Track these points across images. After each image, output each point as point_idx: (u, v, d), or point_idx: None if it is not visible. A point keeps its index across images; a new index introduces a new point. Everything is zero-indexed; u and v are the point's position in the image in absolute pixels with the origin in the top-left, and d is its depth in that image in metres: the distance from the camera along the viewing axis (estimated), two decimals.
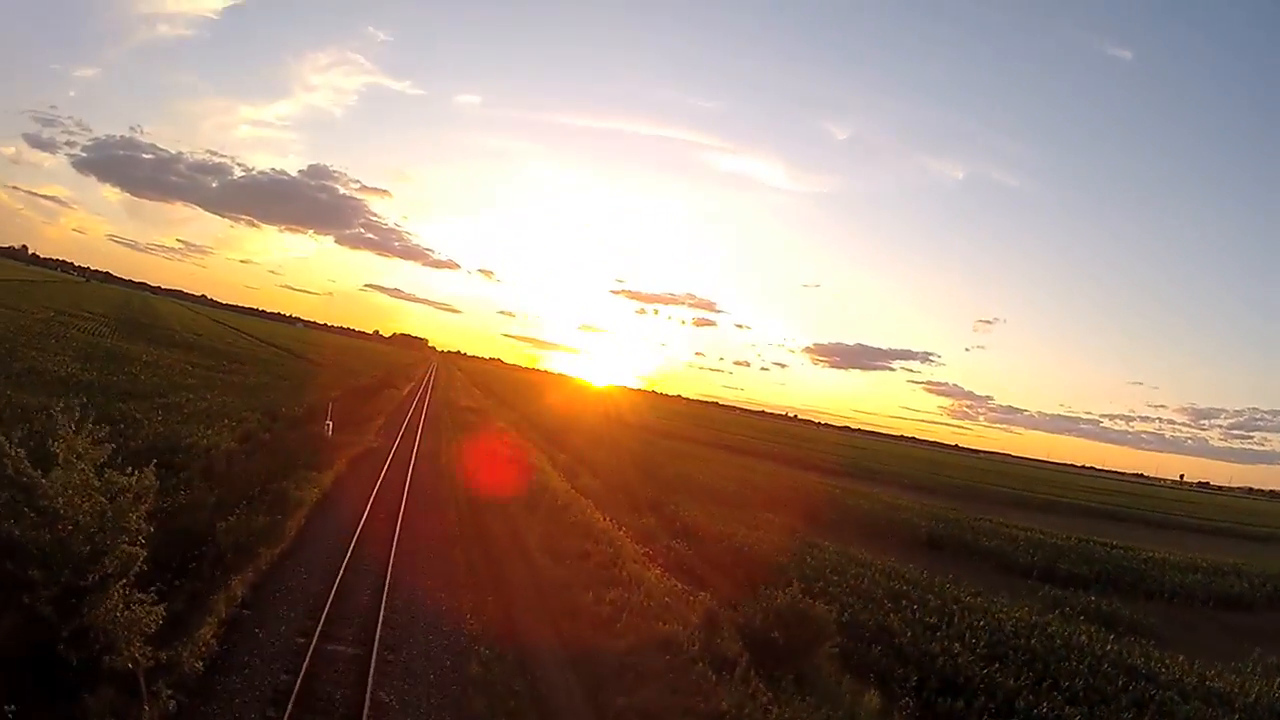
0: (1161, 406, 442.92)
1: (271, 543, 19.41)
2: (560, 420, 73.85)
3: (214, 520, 18.92)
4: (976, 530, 44.05)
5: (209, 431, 31.02)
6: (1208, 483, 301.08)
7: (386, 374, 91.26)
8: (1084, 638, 23.92)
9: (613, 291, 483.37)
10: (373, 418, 47.18)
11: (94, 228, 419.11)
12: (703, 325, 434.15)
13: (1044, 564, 37.38)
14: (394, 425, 46.68)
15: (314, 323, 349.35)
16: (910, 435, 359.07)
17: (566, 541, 24.70)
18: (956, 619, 23.52)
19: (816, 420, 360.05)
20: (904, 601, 24.69)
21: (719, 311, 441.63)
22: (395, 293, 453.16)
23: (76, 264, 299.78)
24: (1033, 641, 22.53)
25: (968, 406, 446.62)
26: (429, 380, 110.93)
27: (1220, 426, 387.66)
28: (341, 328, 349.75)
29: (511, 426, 59.81)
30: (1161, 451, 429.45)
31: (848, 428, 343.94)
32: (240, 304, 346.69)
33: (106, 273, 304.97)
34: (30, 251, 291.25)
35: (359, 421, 44.29)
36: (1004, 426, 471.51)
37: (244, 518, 19.21)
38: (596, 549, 24.12)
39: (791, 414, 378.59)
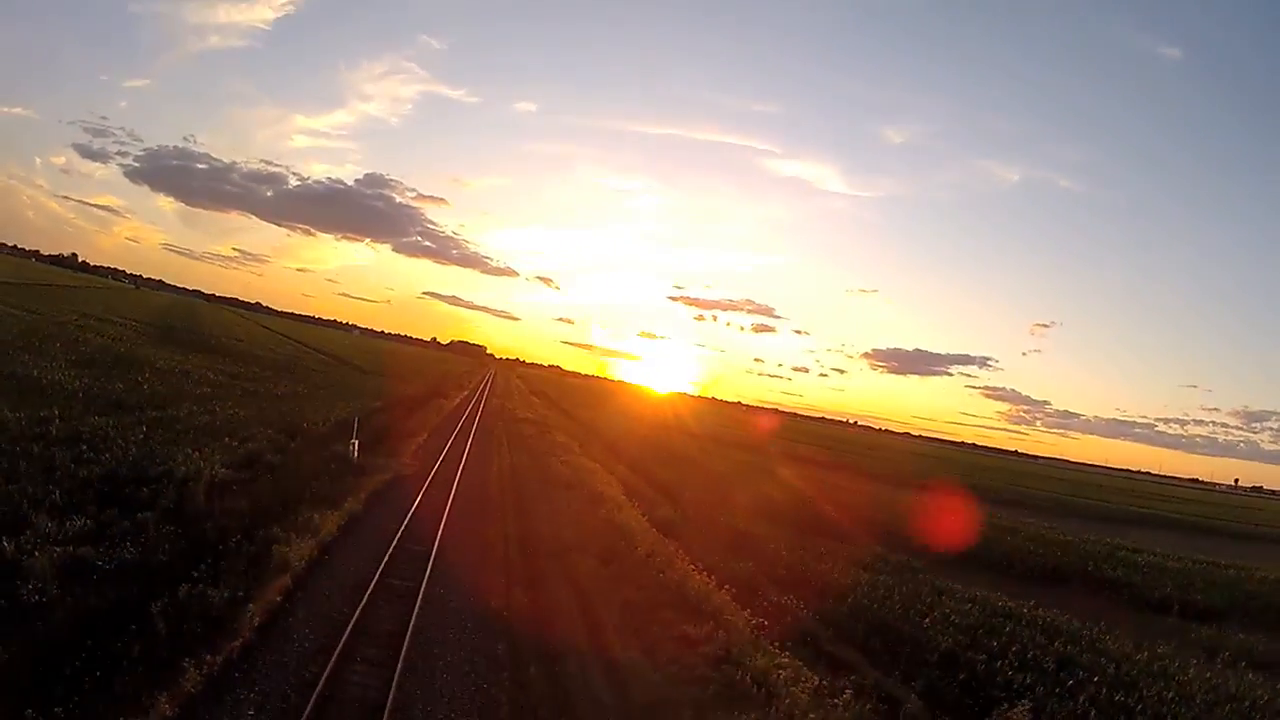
0: (1215, 409, 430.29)
1: (215, 645, 11.91)
2: (625, 432, 65.58)
3: (148, 595, 13.01)
4: (1095, 556, 37.44)
5: (197, 454, 23.65)
6: (1260, 487, 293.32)
7: (437, 382, 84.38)
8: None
9: (671, 298, 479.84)
10: (414, 434, 39.49)
11: (148, 237, 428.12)
12: (761, 331, 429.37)
13: (1178, 596, 31.75)
14: (437, 443, 38.87)
15: (371, 330, 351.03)
16: (969, 441, 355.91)
17: (658, 617, 17.35)
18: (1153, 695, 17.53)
19: (876, 426, 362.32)
20: (1083, 673, 18.39)
21: (777, 317, 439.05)
22: (453, 300, 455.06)
23: (129, 272, 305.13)
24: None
25: (1025, 411, 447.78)
26: (484, 388, 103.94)
27: (1271, 429, 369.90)
28: (398, 335, 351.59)
29: (574, 441, 51.73)
30: (1214, 455, 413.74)
31: (908, 434, 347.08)
32: (296, 311, 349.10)
33: (160, 280, 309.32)
34: (81, 259, 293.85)
35: (397, 438, 36.69)
36: (1060, 431, 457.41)
37: (194, 592, 13.15)
38: (701, 630, 16.62)
39: (851, 420, 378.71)
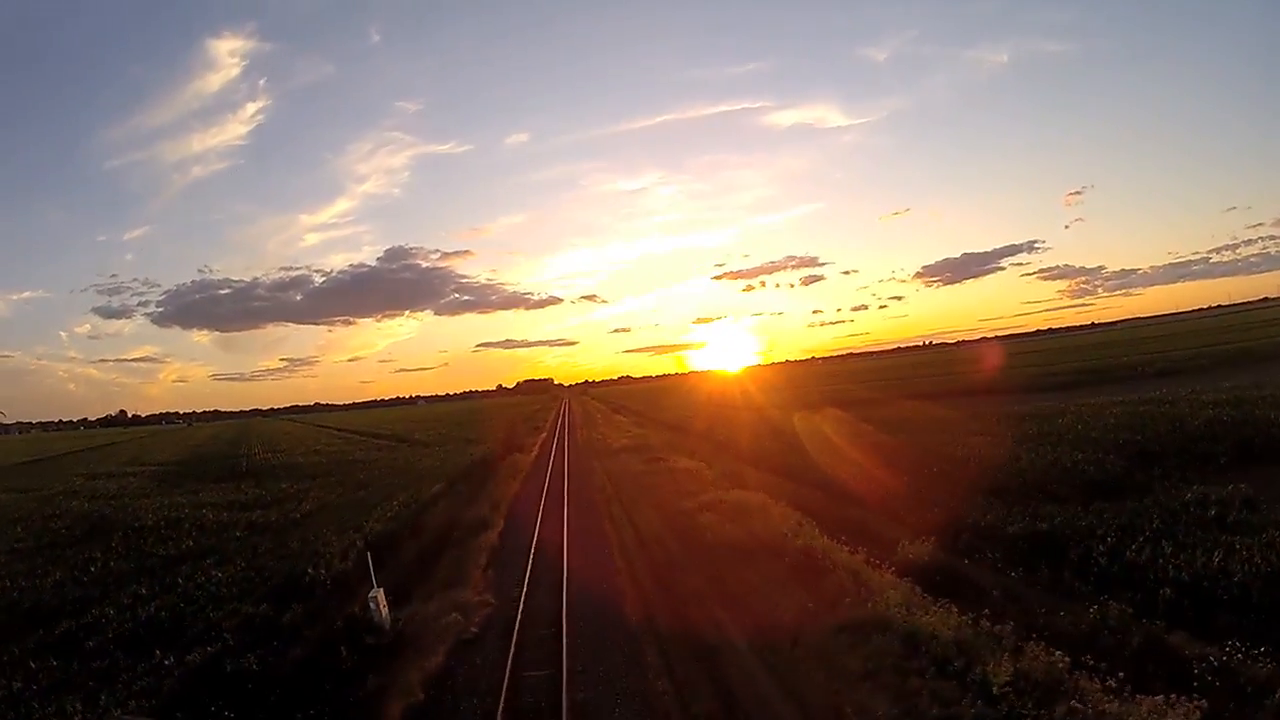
0: (1259, 225, 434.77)
1: None
2: (750, 429, 51.66)
3: None
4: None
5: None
6: None
7: (509, 433, 71.98)
8: None
9: (715, 278, 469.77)
10: (485, 524, 26.71)
11: (193, 373, 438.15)
12: (811, 282, 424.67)
13: None
14: (520, 534, 25.81)
15: (435, 396, 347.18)
16: (1044, 328, 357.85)
17: None
18: None
19: (950, 340, 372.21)
20: None
21: (823, 264, 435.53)
22: (507, 344, 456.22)
23: (181, 412, 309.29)
24: None
25: (1083, 283, 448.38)
26: (562, 421, 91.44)
27: None
28: (463, 393, 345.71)
29: (693, 459, 38.28)
30: (1270, 271, 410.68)
31: (984, 338, 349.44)
32: (356, 400, 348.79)
33: (214, 411, 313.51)
34: (131, 414, 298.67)
35: (460, 542, 23.91)
36: (1123, 292, 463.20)
37: None
38: None
39: (926, 341, 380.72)
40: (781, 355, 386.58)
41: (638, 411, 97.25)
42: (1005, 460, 26.51)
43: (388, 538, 25.47)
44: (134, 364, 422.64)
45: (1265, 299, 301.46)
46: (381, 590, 17.49)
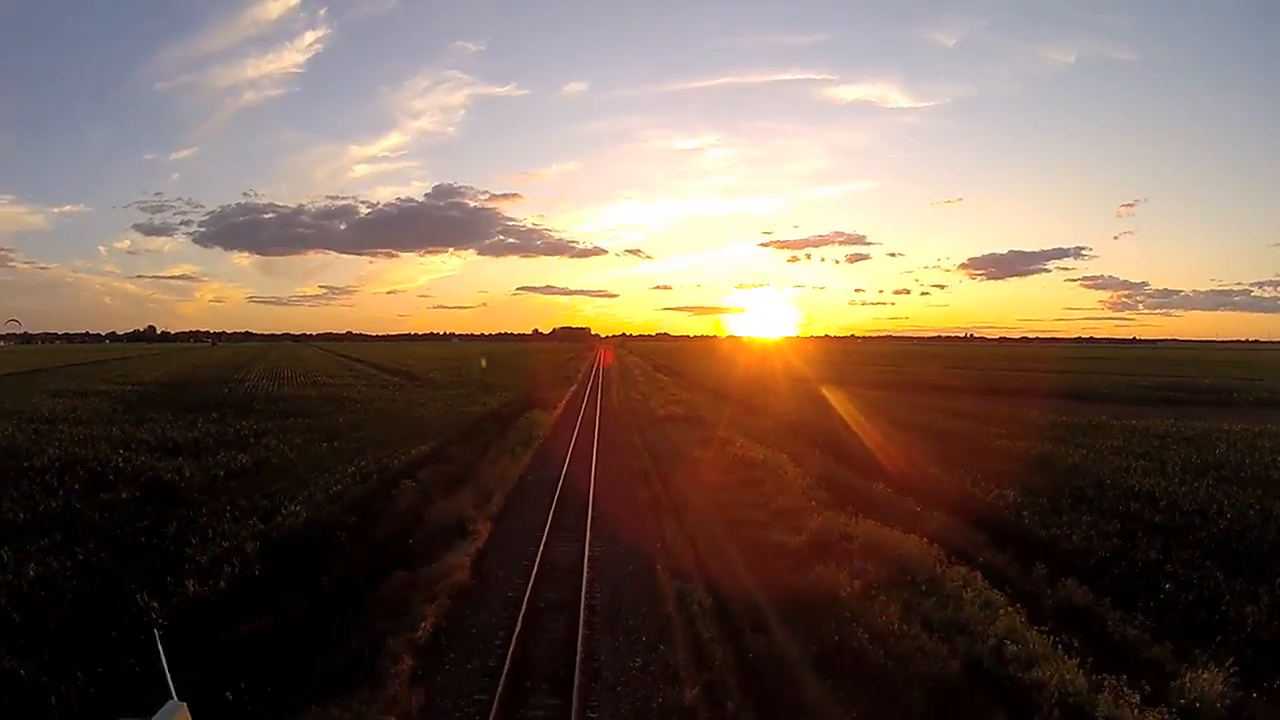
0: None
1: None
2: (828, 413, 41.67)
3: None
4: None
5: None
6: None
7: (532, 383, 62.65)
8: None
9: (762, 245, 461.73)
10: (447, 548, 17.11)
11: (231, 294, 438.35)
12: (856, 260, 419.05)
13: None
14: (500, 587, 16.01)
15: (469, 335, 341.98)
16: (1079, 336, 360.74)
17: None
18: None
19: (989, 336, 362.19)
20: None
21: (870, 244, 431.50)
22: (547, 290, 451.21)
23: (211, 331, 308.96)
24: None
25: (1125, 297, 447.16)
26: (596, 377, 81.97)
27: None
28: (499, 334, 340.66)
29: (788, 458, 28.41)
30: None
31: (1025, 338, 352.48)
32: (391, 333, 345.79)
33: (246, 332, 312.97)
34: (159, 330, 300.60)
35: (388, 590, 14.36)
36: (1163, 311, 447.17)
37: None
38: None
39: (968, 334, 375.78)
40: (820, 329, 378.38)
41: (681, 372, 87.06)
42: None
43: (292, 548, 16.18)
44: (172, 281, 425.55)
45: None
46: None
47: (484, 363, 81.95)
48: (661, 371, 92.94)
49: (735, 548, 15.86)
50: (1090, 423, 36.17)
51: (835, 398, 49.64)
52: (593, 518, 19.21)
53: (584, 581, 14.38)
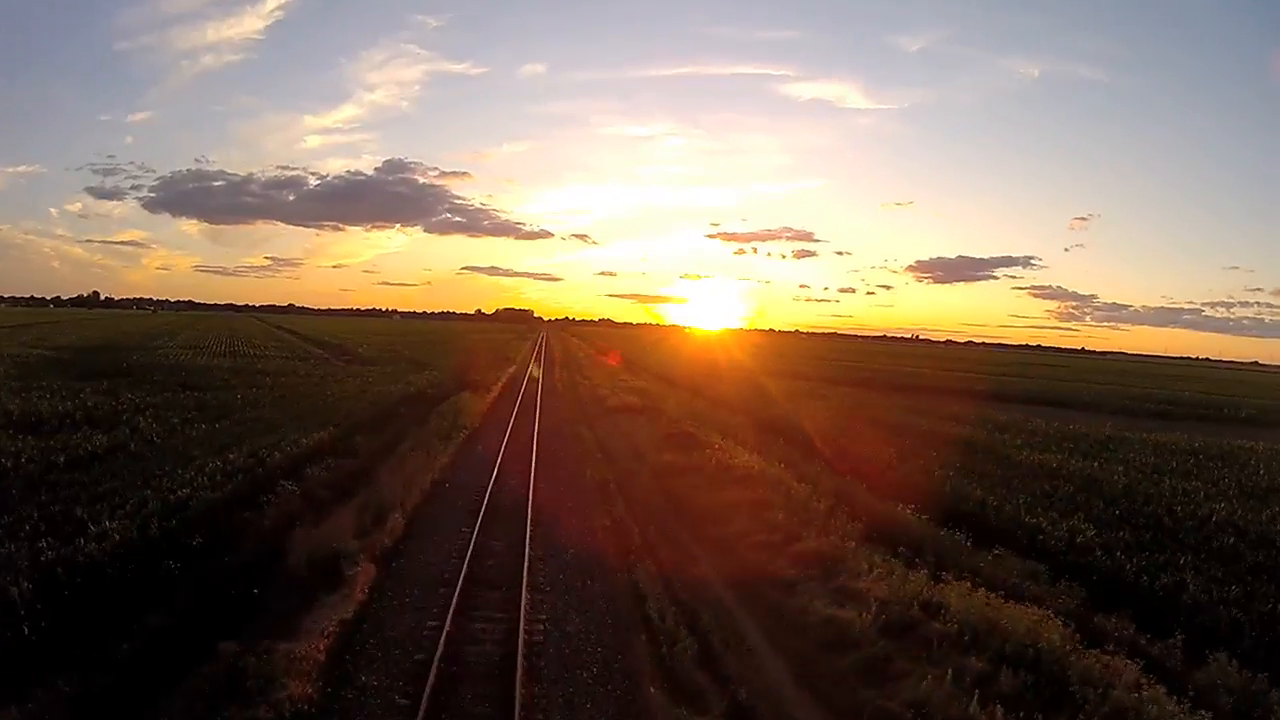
0: (1258, 290, 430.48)
1: None
2: (797, 405, 36.72)
3: None
4: None
5: None
6: None
7: (471, 359, 56.08)
8: None
9: (709, 236, 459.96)
10: (344, 577, 11.30)
11: (178, 262, 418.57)
12: (803, 257, 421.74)
13: None
14: (405, 632, 10.34)
15: (411, 312, 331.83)
16: (1025, 343, 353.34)
17: None
18: None
19: (935, 338, 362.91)
20: None
21: (818, 241, 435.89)
22: (492, 270, 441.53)
23: (155, 299, 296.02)
24: None
25: (1073, 308, 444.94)
26: (538, 356, 75.53)
27: None
28: (442, 312, 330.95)
29: (775, 463, 23.18)
30: (1261, 337, 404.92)
31: (970, 342, 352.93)
32: (333, 307, 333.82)
33: (189, 301, 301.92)
34: (104, 296, 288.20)
35: (302, 583, 8.54)
36: (1110, 324, 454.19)
37: None
38: None
39: (914, 335, 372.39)
40: (765, 323, 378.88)
41: (629, 358, 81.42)
42: None
43: (89, 587, 10.25)
44: (120, 247, 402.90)
45: (1255, 362, 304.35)
46: None
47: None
48: (606, 355, 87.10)
49: (757, 629, 10.44)
50: (1103, 435, 32.29)
51: (805, 393, 44.77)
52: (530, 562, 13.44)
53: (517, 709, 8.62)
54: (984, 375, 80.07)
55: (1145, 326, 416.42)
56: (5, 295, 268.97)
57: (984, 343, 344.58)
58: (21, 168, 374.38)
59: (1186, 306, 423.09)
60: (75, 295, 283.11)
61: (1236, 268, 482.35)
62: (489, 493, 17.89)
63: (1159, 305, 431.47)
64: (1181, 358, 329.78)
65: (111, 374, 37.50)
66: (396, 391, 35.71)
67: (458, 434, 25.57)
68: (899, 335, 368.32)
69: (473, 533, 14.80)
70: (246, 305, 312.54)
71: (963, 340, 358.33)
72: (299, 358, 58.80)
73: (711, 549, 14.01)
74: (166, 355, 53.06)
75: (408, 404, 32.20)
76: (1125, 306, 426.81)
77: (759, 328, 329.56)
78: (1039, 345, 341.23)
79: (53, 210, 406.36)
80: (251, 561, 12.77)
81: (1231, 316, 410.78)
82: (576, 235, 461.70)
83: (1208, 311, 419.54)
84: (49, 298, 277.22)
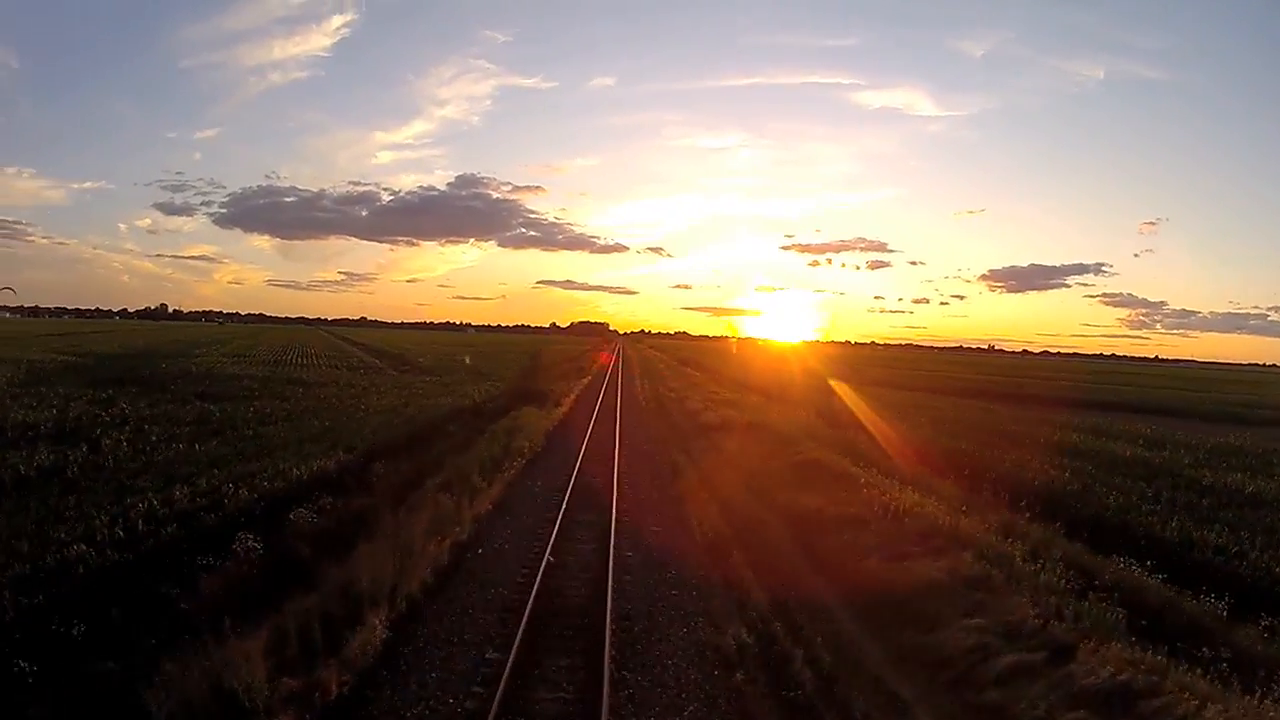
0: None
1: None
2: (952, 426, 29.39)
3: None
4: None
5: None
6: None
7: (540, 370, 50.05)
8: None
9: (783, 247, 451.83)
10: None
11: (250, 276, 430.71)
12: (877, 267, 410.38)
13: None
14: None
15: (486, 325, 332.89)
16: (1099, 353, 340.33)
17: None
18: None
19: (1010, 348, 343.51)
20: None
21: (891, 251, 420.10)
22: (567, 284, 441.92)
23: (225, 311, 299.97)
24: None
25: (1143, 315, 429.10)
26: (615, 370, 69.26)
27: None
28: (517, 326, 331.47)
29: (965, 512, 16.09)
30: None
31: (1045, 352, 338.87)
32: (408, 320, 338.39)
33: (259, 315, 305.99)
34: (172, 309, 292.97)
35: None
36: (1180, 332, 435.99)
37: None
38: None
39: (989, 345, 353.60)
40: (840, 335, 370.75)
41: (713, 369, 74.31)
42: None
43: None
44: (190, 261, 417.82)
45: None
46: None
47: (467, 359, 68.69)
48: (689, 366, 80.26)
49: None
50: (1222, 443, 29.30)
51: (913, 405, 37.38)
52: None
53: None
54: (1086, 384, 76.57)
55: (1212, 333, 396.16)
56: (72, 307, 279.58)
57: (1059, 352, 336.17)
58: (88, 184, 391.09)
59: (1252, 310, 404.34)
60: (143, 307, 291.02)
61: None
62: (540, 575, 11.19)
63: (1225, 310, 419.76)
64: (1250, 364, 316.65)
65: (125, 381, 33.97)
66: (446, 404, 29.90)
67: (511, 462, 19.10)
68: (973, 345, 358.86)
69: (501, 673, 7.90)
70: (319, 319, 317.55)
71: (1037, 350, 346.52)
72: (349, 367, 54.26)
73: (935, 689, 7.19)
74: (200, 364, 48.97)
75: (457, 420, 26.16)
76: (1194, 313, 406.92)
77: (834, 339, 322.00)
78: (1113, 354, 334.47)
79: (121, 225, 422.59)
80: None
81: None
82: (651, 248, 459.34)
83: (1273, 316, 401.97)
84: (116, 310, 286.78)
